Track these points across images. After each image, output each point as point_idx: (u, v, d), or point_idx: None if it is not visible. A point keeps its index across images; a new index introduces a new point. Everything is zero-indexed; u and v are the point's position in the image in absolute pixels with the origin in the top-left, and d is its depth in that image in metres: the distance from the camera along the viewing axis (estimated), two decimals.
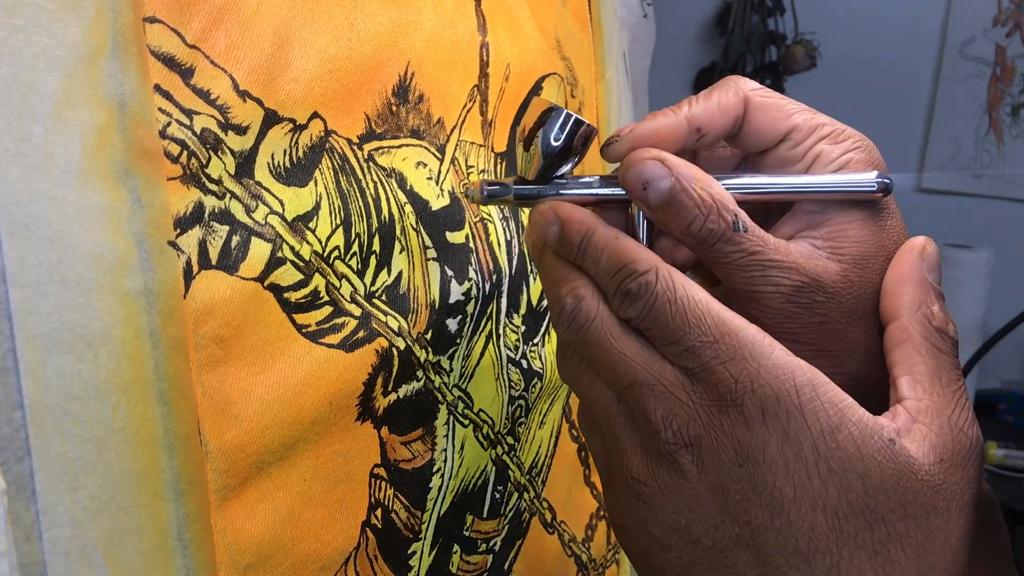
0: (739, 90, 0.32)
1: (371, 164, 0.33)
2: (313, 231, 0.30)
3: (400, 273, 0.34)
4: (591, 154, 0.35)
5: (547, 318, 0.46)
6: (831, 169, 0.31)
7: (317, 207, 0.31)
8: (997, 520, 0.36)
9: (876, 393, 0.30)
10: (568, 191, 0.32)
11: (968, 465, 0.28)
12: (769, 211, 0.35)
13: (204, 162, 0.27)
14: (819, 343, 0.31)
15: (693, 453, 0.28)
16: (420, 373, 0.35)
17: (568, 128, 0.31)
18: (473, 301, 0.38)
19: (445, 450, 0.37)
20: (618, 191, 0.31)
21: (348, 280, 0.32)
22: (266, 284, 0.28)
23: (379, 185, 0.34)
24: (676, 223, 0.30)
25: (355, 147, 0.33)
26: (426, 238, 0.36)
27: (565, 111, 0.30)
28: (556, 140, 0.31)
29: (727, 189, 0.31)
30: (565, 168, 0.32)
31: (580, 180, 0.32)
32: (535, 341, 0.45)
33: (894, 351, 0.30)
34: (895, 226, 0.32)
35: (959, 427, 0.28)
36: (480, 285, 0.39)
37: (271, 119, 0.29)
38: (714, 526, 0.28)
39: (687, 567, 0.29)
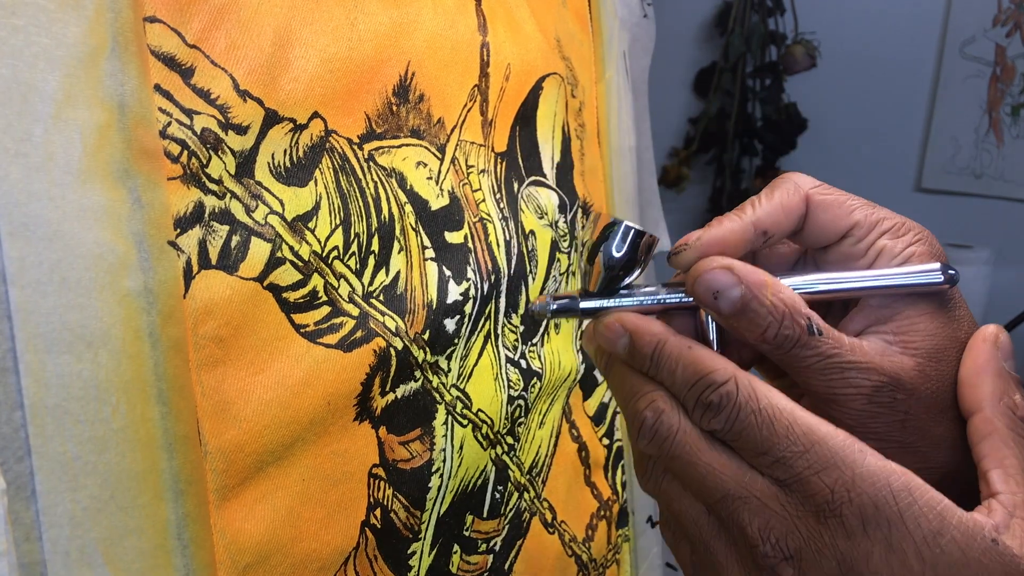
0: (800, 188, 0.32)
1: (371, 164, 0.33)
2: (312, 231, 0.30)
3: (398, 273, 0.34)
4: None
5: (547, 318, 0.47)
6: (895, 263, 0.31)
7: (317, 207, 0.31)
8: None
9: (965, 485, 0.30)
10: (634, 301, 0.32)
11: None
12: (830, 306, 0.35)
13: (204, 162, 0.27)
14: (903, 440, 0.31)
15: (794, 566, 0.28)
16: (418, 373, 0.35)
17: (630, 240, 0.31)
18: (471, 301, 0.38)
19: (444, 450, 0.37)
20: (685, 298, 0.32)
21: (346, 280, 0.32)
22: (265, 284, 0.28)
23: (379, 185, 0.34)
24: (750, 331, 0.30)
25: (355, 147, 0.33)
26: (425, 238, 0.36)
27: (626, 223, 0.31)
28: (619, 252, 0.31)
29: (795, 290, 0.31)
30: (630, 279, 0.32)
31: (645, 289, 0.32)
32: (534, 341, 0.45)
33: (981, 444, 0.30)
34: (964, 316, 0.32)
35: None
36: (478, 285, 0.39)
37: (271, 119, 0.29)
38: None
39: None
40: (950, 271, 0.31)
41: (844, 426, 0.30)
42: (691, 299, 0.31)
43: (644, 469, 0.32)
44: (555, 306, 0.32)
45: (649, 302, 0.32)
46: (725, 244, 0.31)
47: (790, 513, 0.28)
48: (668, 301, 0.32)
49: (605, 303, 0.32)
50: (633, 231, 0.31)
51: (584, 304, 0.32)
